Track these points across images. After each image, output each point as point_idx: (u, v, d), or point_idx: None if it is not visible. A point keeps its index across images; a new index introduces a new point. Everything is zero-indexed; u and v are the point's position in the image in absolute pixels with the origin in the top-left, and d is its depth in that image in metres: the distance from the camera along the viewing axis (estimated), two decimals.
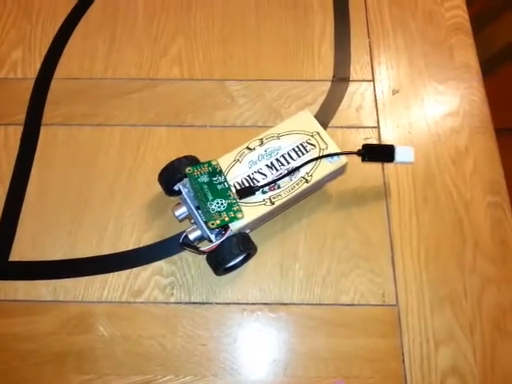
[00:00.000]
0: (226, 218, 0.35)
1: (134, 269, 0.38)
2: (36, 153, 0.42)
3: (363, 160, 0.38)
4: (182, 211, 0.37)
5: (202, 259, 0.38)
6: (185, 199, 0.37)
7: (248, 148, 0.38)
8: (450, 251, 0.38)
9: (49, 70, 0.46)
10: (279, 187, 0.36)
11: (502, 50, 0.68)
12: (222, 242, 0.35)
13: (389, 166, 0.41)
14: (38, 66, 0.46)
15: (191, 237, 0.36)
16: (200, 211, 0.36)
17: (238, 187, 0.36)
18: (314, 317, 0.36)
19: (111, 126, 0.43)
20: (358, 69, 0.46)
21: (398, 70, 0.46)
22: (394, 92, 0.45)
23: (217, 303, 0.37)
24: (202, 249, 0.36)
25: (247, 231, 0.37)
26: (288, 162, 0.37)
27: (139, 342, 0.36)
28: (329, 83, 0.45)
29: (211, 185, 0.36)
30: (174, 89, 0.45)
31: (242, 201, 0.36)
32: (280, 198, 0.36)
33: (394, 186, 0.41)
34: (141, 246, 0.39)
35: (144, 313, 0.37)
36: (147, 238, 0.39)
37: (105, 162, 0.42)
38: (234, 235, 0.35)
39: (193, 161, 0.38)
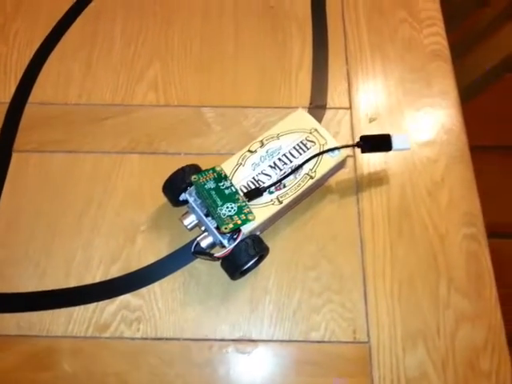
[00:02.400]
0: (239, 221, 0.35)
1: (101, 302, 0.37)
2: (6, 180, 0.41)
3: (363, 151, 0.39)
4: (190, 220, 0.37)
5: (170, 291, 0.37)
6: (193, 207, 0.37)
7: (249, 151, 0.38)
8: (423, 286, 0.38)
9: (23, 95, 0.45)
10: (285, 186, 0.37)
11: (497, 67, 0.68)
12: (236, 245, 0.35)
13: (363, 193, 0.41)
14: (13, 89, 0.46)
15: (203, 244, 0.37)
16: (209, 218, 0.36)
17: (245, 190, 0.36)
18: (283, 354, 0.36)
19: (83, 153, 0.42)
20: (335, 96, 0.45)
21: (375, 98, 0.45)
22: (371, 120, 0.44)
23: (184, 339, 0.36)
24: (216, 255, 0.35)
25: (257, 233, 0.37)
26: (290, 161, 0.38)
27: (103, 379, 0.35)
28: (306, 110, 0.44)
29: (218, 190, 0.36)
30: (148, 115, 0.44)
31: (251, 203, 0.36)
32: (287, 196, 0.36)
33: (368, 217, 0.40)
34: (108, 278, 0.38)
35: (109, 348, 0.36)
36: (115, 270, 0.38)
37: (75, 190, 0.41)
38: (246, 238, 0.35)
39: (195, 169, 0.38)
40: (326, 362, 0.35)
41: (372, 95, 0.46)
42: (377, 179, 0.42)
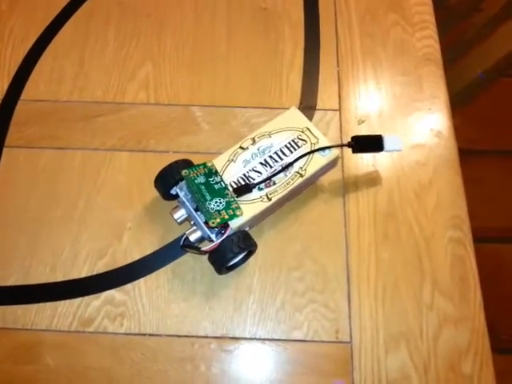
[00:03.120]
0: (226, 216, 0.35)
1: (86, 297, 0.37)
2: None
3: (354, 151, 0.40)
4: (180, 214, 0.38)
5: (155, 288, 0.37)
6: (183, 202, 0.37)
7: (241, 147, 0.38)
8: (407, 288, 0.38)
9: (16, 92, 0.46)
10: (275, 183, 0.37)
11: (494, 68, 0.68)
12: (222, 240, 0.35)
13: (350, 195, 0.41)
14: (6, 86, 0.46)
15: (192, 238, 0.37)
16: (199, 212, 0.36)
17: (235, 186, 0.37)
18: (265, 352, 0.36)
19: (73, 150, 0.43)
20: (325, 98, 0.45)
21: (365, 100, 0.45)
22: (360, 122, 0.44)
23: (167, 335, 0.36)
24: (204, 249, 0.36)
25: (246, 229, 0.37)
26: (281, 159, 0.38)
27: (85, 373, 0.35)
28: None
29: (208, 185, 0.37)
30: (139, 113, 0.45)
31: (240, 199, 0.36)
32: (276, 193, 0.37)
33: (354, 218, 0.40)
34: (94, 273, 0.38)
35: (92, 343, 0.36)
36: (101, 266, 0.38)
37: (64, 186, 0.41)
38: (234, 233, 0.36)
39: (187, 164, 0.38)
40: (307, 361, 0.35)
41: (362, 97, 0.46)
42: (365, 181, 0.42)
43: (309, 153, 0.38)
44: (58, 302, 0.37)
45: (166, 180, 0.38)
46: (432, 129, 0.44)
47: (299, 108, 0.44)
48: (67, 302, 0.37)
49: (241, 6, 0.50)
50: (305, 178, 0.37)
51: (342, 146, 0.40)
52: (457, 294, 0.37)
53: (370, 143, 0.40)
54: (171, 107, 0.45)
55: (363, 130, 0.44)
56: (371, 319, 0.37)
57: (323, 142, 0.39)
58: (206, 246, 0.36)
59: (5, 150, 0.43)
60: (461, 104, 0.61)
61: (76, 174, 0.42)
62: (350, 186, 0.41)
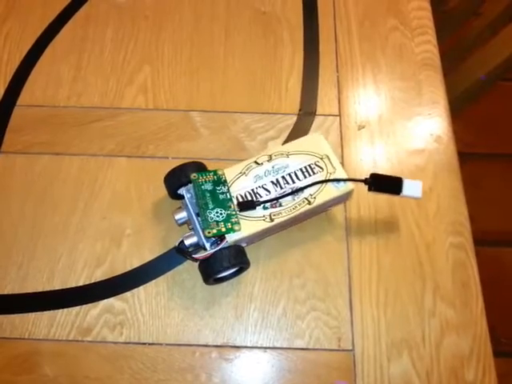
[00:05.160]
0: (223, 229, 0.35)
1: (85, 305, 0.37)
2: None
3: (369, 189, 0.38)
4: (181, 216, 0.37)
5: (154, 296, 0.37)
6: (186, 204, 0.37)
7: (256, 162, 0.38)
8: (409, 294, 0.37)
9: (12, 97, 0.45)
10: (281, 205, 0.36)
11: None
12: (216, 251, 0.35)
13: (351, 201, 0.41)
14: (2, 91, 0.45)
15: (187, 242, 0.36)
16: (199, 218, 0.36)
17: (241, 199, 0.36)
18: (266, 361, 0.35)
19: (70, 156, 0.42)
20: (325, 103, 0.45)
21: (365, 106, 0.45)
22: (360, 127, 0.44)
23: (167, 344, 0.36)
24: (196, 256, 0.35)
25: (243, 245, 0.37)
26: (293, 182, 0.37)
27: (84, 383, 0.34)
28: (295, 117, 0.44)
29: (214, 193, 0.36)
30: (137, 118, 0.44)
31: (242, 214, 0.36)
32: (280, 216, 0.36)
33: (355, 224, 0.40)
34: (92, 281, 0.38)
35: (91, 352, 0.35)
36: (99, 274, 0.38)
37: (61, 192, 0.41)
38: (228, 247, 0.35)
39: (200, 167, 0.38)
40: (309, 370, 0.35)
41: (362, 103, 0.46)
42: (364, 186, 0.42)
43: (322, 181, 0.37)
44: (56, 311, 0.37)
45: (176, 179, 0.38)
46: (432, 134, 0.44)
47: (299, 114, 0.45)
48: (65, 310, 0.37)
49: (239, 9, 0.50)
50: (312, 205, 0.36)
51: (358, 180, 0.37)
52: (458, 300, 0.37)
53: (388, 184, 0.38)
54: (170, 112, 0.45)
55: (363, 136, 0.44)
56: (373, 326, 0.36)
57: (340, 174, 0.37)
58: (199, 254, 0.35)
59: (1, 155, 0.42)
60: (460, 108, 0.61)
61: (73, 180, 0.41)
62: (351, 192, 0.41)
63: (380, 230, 0.40)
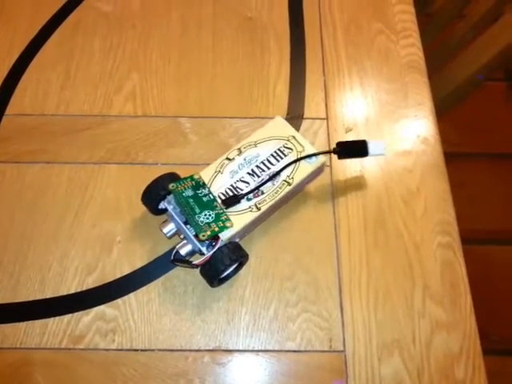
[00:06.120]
0: (216, 229, 0.35)
1: (76, 313, 0.37)
2: None
3: (339, 157, 0.40)
4: (170, 228, 0.37)
5: (146, 303, 0.37)
6: (172, 215, 0.37)
7: (227, 158, 0.39)
8: (399, 295, 0.38)
9: (1, 106, 0.45)
10: (263, 193, 0.37)
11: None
12: (215, 252, 0.35)
13: (339, 203, 0.41)
14: None
15: (182, 252, 0.37)
16: (188, 226, 0.36)
17: (223, 197, 0.37)
18: (259, 364, 0.36)
19: (60, 164, 0.42)
20: (312, 107, 0.46)
21: (352, 109, 0.46)
22: (347, 130, 0.44)
23: (159, 350, 0.36)
24: (195, 262, 0.36)
25: (236, 240, 0.37)
26: (268, 168, 0.38)
27: None
28: None
29: (196, 198, 0.36)
30: (126, 126, 0.44)
31: (229, 210, 0.36)
32: (265, 203, 0.37)
33: (344, 226, 0.40)
34: (84, 289, 0.38)
35: (84, 360, 0.35)
36: (90, 281, 0.38)
37: (52, 201, 0.41)
38: (224, 245, 0.35)
39: (173, 177, 0.38)
40: (302, 372, 0.35)
41: (349, 106, 0.46)
42: (353, 189, 0.42)
43: (295, 161, 0.38)
44: (48, 319, 0.37)
45: (153, 195, 0.38)
46: (418, 135, 0.45)
47: (286, 118, 0.45)
48: (57, 318, 0.37)
49: (226, 16, 0.50)
50: (292, 186, 0.38)
51: (327, 152, 0.40)
52: (447, 300, 0.38)
53: (355, 149, 0.40)
54: (158, 119, 0.45)
55: (351, 138, 0.44)
56: (364, 327, 0.37)
57: (309, 150, 0.39)
58: (197, 260, 0.36)
59: None
60: (446, 109, 0.62)
61: (63, 188, 0.41)
62: (339, 194, 0.42)
63: (369, 232, 0.40)
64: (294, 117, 0.45)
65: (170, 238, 0.38)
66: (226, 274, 0.37)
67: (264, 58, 0.48)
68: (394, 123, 0.45)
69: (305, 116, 0.45)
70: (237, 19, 0.51)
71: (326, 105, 0.46)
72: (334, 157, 0.40)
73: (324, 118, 0.45)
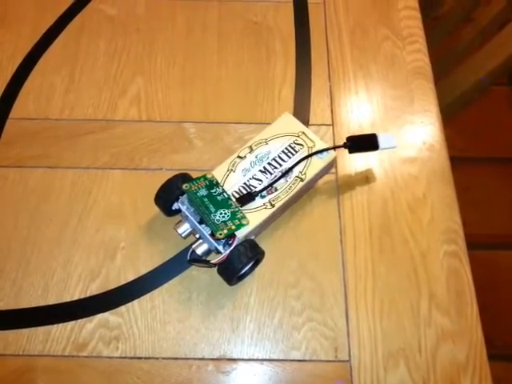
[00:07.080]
0: (233, 227, 0.35)
1: (80, 320, 0.36)
2: None
3: (350, 151, 0.40)
4: (185, 228, 0.37)
5: (150, 310, 0.37)
6: (186, 216, 0.37)
7: (239, 157, 0.39)
8: (405, 303, 0.37)
9: (4, 110, 0.45)
10: (276, 190, 0.37)
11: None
12: (232, 250, 0.35)
13: (345, 210, 0.41)
14: None
15: (199, 251, 0.37)
16: (203, 225, 0.36)
17: (237, 195, 0.37)
18: (263, 373, 0.35)
19: (63, 169, 0.42)
20: (318, 112, 0.45)
21: (357, 115, 0.45)
22: None
23: (163, 358, 0.35)
24: (213, 261, 0.35)
25: (252, 237, 0.37)
26: (280, 165, 0.38)
27: None
28: None
29: (211, 197, 0.36)
30: (130, 130, 0.44)
31: (243, 208, 0.36)
32: (279, 199, 0.37)
33: (349, 233, 0.40)
34: (87, 295, 0.37)
35: (87, 368, 0.35)
36: (94, 288, 0.37)
37: (55, 206, 0.40)
38: (241, 243, 0.35)
39: (186, 177, 0.38)
40: (306, 382, 0.35)
41: (354, 112, 0.46)
42: (358, 194, 0.42)
43: (307, 156, 0.38)
44: (51, 326, 0.36)
45: (167, 196, 0.38)
46: (424, 142, 0.44)
47: None
48: (60, 325, 0.36)
49: (232, 20, 0.50)
50: (305, 181, 0.38)
51: (338, 147, 0.40)
52: (454, 309, 0.37)
53: (365, 142, 0.40)
54: (163, 124, 0.45)
55: None
56: (370, 336, 0.36)
57: (320, 145, 0.39)
58: (215, 259, 0.36)
59: None
60: (452, 114, 0.61)
61: (67, 193, 0.41)
62: (344, 201, 0.41)
63: (374, 239, 0.40)
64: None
65: (185, 238, 0.38)
66: (243, 271, 0.37)
67: (269, 61, 0.48)
68: (400, 129, 0.45)
69: (310, 122, 0.45)
70: (242, 23, 0.50)
71: (332, 111, 0.46)
72: (340, 162, 0.40)
73: (330, 124, 0.45)
